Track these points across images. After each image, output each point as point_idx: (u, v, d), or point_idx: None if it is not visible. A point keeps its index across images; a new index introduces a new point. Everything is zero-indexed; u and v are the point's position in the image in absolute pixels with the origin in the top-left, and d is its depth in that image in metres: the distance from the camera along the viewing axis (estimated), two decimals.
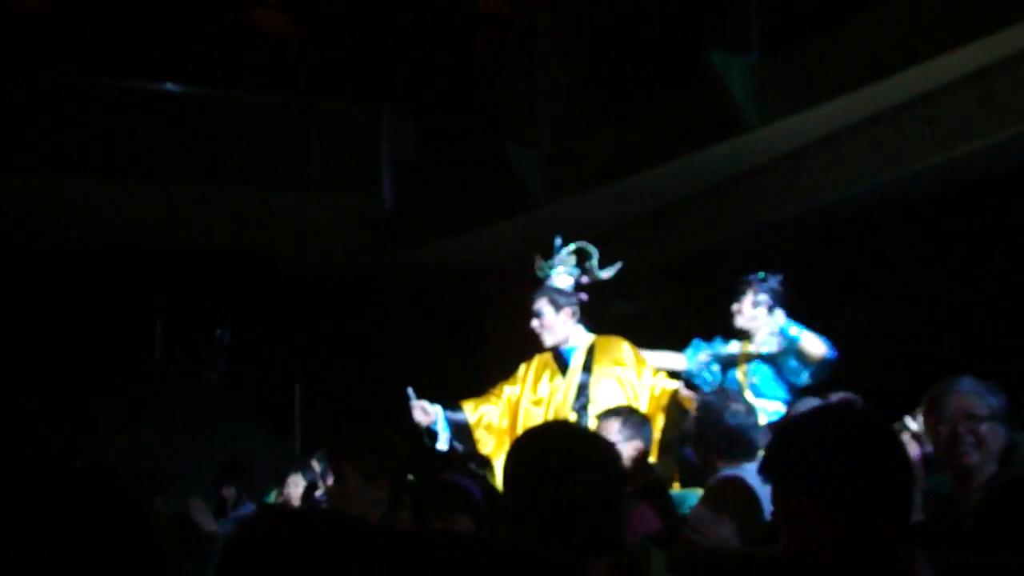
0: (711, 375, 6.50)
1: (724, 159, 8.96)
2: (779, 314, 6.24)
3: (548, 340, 6.10)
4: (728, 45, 8.32)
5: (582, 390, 6.08)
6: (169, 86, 11.56)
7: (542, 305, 6.07)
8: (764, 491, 4.24)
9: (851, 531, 2.13)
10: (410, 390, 5.96)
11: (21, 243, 12.38)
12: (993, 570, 2.75)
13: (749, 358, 6.34)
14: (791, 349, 6.18)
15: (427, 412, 6.02)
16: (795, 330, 6.15)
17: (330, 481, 7.61)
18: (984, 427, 3.66)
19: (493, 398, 6.31)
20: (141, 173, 11.06)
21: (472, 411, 6.25)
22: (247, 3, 13.03)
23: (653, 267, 10.73)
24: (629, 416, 5.02)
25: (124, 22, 12.31)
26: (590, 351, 6.12)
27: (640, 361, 6.12)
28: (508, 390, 6.31)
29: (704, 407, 4.56)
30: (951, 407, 3.69)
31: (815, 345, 6.10)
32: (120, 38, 12.19)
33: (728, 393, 4.83)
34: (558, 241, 6.20)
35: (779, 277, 6.36)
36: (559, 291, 6.10)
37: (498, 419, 6.26)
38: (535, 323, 6.09)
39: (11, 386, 12.12)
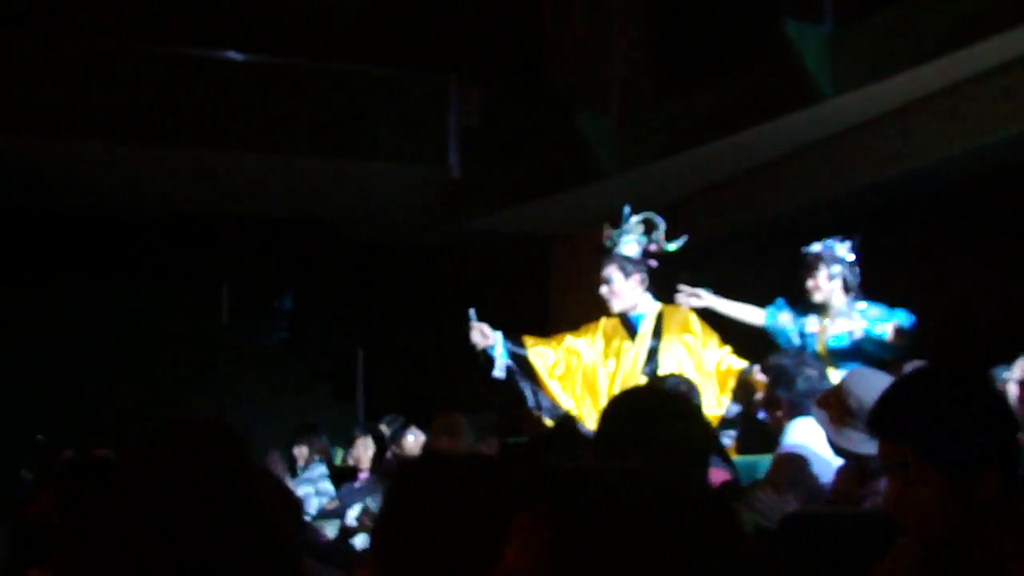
0: (788, 338, 6.55)
1: (796, 129, 8.96)
2: (868, 309, 6.25)
3: (616, 306, 6.23)
4: (802, 14, 8.32)
5: (651, 355, 6.20)
6: (232, 54, 11.69)
7: (611, 271, 6.20)
8: (824, 458, 4.33)
9: (950, 485, 2.21)
10: (472, 311, 6.12)
11: (93, 210, 12.60)
12: None
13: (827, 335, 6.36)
14: (873, 339, 6.21)
15: (486, 335, 6.19)
16: (880, 327, 6.17)
17: (406, 441, 7.81)
18: None
19: (554, 343, 6.45)
20: (210, 141, 11.19)
21: (531, 346, 6.40)
22: None
23: (720, 237, 10.75)
24: (678, 383, 5.10)
25: None
26: (659, 318, 6.23)
27: (707, 332, 6.24)
28: (570, 339, 6.44)
29: (778, 369, 4.65)
30: None
31: (894, 334, 6.14)
32: (191, 7, 12.32)
33: (803, 357, 4.89)
34: (627, 210, 6.30)
35: (849, 243, 6.38)
36: (628, 258, 6.22)
37: (551, 363, 6.39)
38: (604, 289, 6.21)
39: (85, 350, 12.36)
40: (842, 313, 6.28)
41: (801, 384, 4.41)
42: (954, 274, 8.71)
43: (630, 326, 6.28)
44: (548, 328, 12.31)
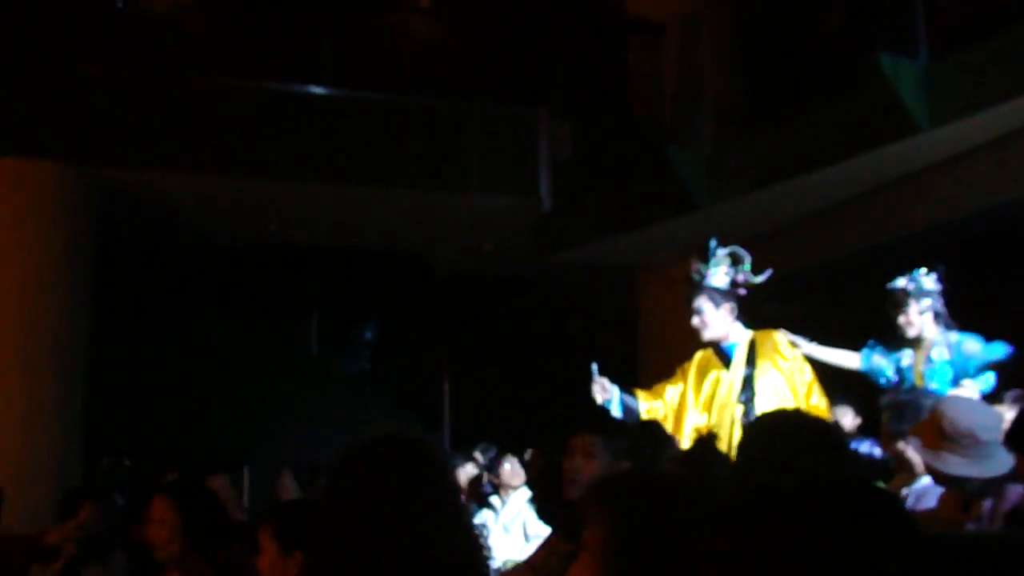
0: (886, 377, 6.61)
1: (888, 162, 8.97)
2: (951, 334, 6.31)
3: (708, 335, 6.32)
4: (897, 48, 8.36)
5: (747, 383, 6.26)
6: (327, 89, 11.88)
7: (702, 302, 6.31)
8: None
9: None
10: (594, 365, 6.26)
11: (188, 241, 12.88)
12: None
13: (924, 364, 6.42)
14: (962, 357, 6.26)
15: (605, 389, 6.31)
16: (968, 345, 6.21)
17: (503, 470, 7.95)
18: None
19: (658, 397, 6.56)
20: (304, 174, 11.39)
21: (644, 400, 6.51)
22: (401, 8, 13.37)
23: (811, 269, 10.77)
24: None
25: (281, 28, 12.71)
26: (751, 345, 6.32)
27: (797, 356, 6.31)
28: (670, 391, 6.55)
29: (897, 404, 4.74)
30: None
31: (983, 352, 6.19)
32: (277, 44, 12.59)
33: (923, 392, 4.99)
34: (713, 243, 6.41)
35: (935, 274, 6.43)
36: (717, 289, 6.33)
37: (661, 419, 6.49)
38: (695, 320, 6.31)
39: (179, 376, 12.63)
40: (936, 343, 6.34)
41: (923, 416, 4.50)
42: None
43: (724, 356, 6.37)
44: (637, 359, 12.51)
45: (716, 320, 6.30)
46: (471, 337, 14.48)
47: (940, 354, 6.33)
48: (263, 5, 12.62)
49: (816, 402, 6.08)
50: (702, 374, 6.45)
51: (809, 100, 9.63)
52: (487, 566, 2.23)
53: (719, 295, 6.29)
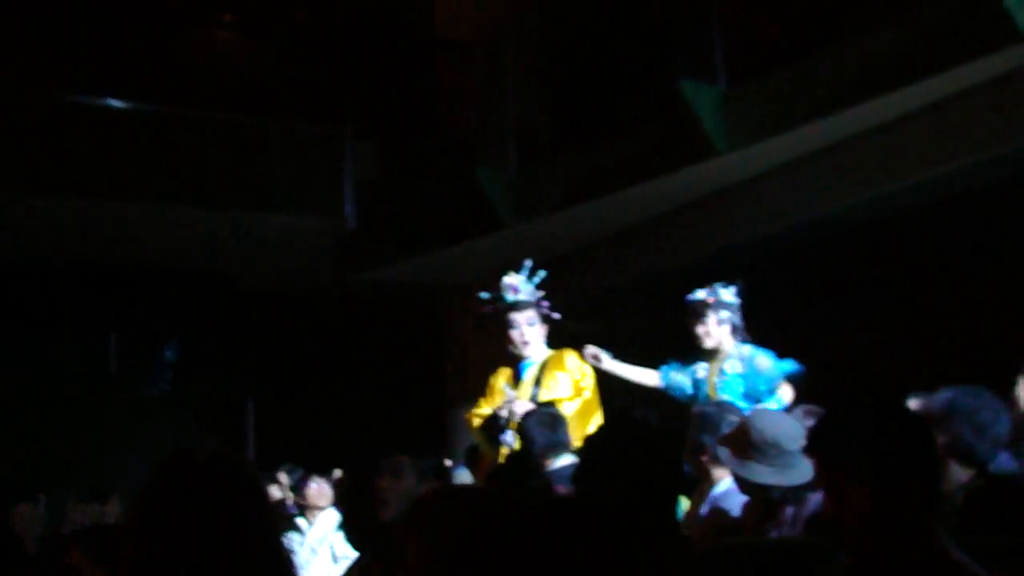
0: (683, 391, 6.76)
1: (690, 183, 9.22)
2: (745, 348, 6.50)
3: (528, 351, 6.39)
4: (697, 74, 8.61)
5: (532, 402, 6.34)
6: (126, 103, 11.55)
7: (533, 316, 6.37)
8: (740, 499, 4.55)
9: (879, 499, 2.44)
10: (507, 388, 6.30)
11: None
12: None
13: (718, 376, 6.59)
14: (754, 371, 6.45)
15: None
16: (759, 360, 6.41)
17: (309, 490, 7.84)
18: None
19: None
20: (101, 190, 11.03)
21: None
22: (206, 23, 13.13)
23: (612, 289, 10.98)
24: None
25: (83, 39, 12.34)
26: (543, 366, 6.40)
27: (584, 373, 6.39)
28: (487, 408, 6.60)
29: (702, 417, 4.85)
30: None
31: (774, 368, 6.40)
32: (77, 55, 12.21)
33: (725, 406, 5.11)
34: (529, 263, 6.49)
35: (733, 288, 6.61)
36: (540, 306, 6.41)
37: None
38: (517, 334, 6.35)
39: None
40: (731, 356, 6.50)
41: (725, 430, 4.61)
42: (842, 320, 9.03)
43: (518, 375, 6.46)
44: (443, 378, 12.52)
45: (535, 337, 6.37)
46: (276, 357, 14.24)
47: (733, 367, 6.49)
48: (64, 16, 12.20)
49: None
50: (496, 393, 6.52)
51: (613, 124, 9.81)
52: None
53: (539, 312, 6.38)
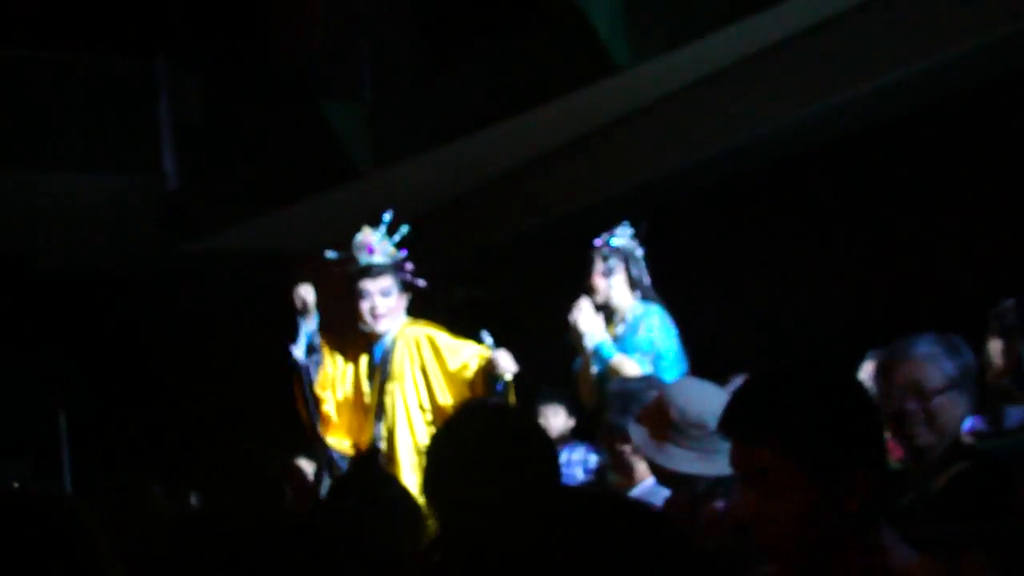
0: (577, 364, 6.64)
1: (586, 108, 9.18)
2: (641, 306, 6.37)
3: (384, 325, 6.22)
4: None
5: (381, 389, 6.24)
6: None
7: (390, 284, 6.19)
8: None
9: (817, 489, 2.32)
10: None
11: None
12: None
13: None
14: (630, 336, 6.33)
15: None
16: (649, 323, 6.29)
17: None
18: (936, 401, 3.77)
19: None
20: None
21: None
22: None
23: (503, 244, 10.92)
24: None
25: None
26: (393, 343, 6.25)
27: (442, 350, 6.25)
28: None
29: (623, 395, 4.72)
30: (899, 379, 3.84)
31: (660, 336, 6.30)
32: None
33: (652, 380, 5.00)
34: (388, 215, 6.33)
35: (632, 231, 6.48)
36: (401, 269, 6.24)
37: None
38: (376, 304, 6.17)
39: None
40: (636, 318, 6.34)
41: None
42: (776, 267, 9.10)
43: (372, 357, 6.31)
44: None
45: (398, 308, 6.21)
46: (90, 356, 14.00)
47: (620, 331, 6.36)
48: None
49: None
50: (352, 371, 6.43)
51: (491, 40, 9.74)
52: None
53: (399, 279, 6.21)
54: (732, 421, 2.44)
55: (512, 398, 5.99)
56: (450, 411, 5.87)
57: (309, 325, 6.31)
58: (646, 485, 4.63)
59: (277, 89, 11.49)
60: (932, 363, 3.80)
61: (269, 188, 11.15)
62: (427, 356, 6.20)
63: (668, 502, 4.38)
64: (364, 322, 6.24)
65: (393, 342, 6.22)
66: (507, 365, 5.96)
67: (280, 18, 12.03)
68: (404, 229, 6.30)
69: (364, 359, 6.37)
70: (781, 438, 2.34)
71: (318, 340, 6.33)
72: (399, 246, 6.31)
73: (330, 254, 6.45)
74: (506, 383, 5.97)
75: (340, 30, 11.02)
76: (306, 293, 6.33)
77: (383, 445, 6.11)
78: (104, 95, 11.62)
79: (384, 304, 6.19)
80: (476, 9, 10.19)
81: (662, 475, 4.26)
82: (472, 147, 9.83)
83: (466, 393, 6.06)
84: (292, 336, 6.40)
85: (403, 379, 6.18)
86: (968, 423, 4.17)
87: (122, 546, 2.25)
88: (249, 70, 12.01)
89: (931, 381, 3.77)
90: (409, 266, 6.31)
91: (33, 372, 14.14)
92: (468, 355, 6.13)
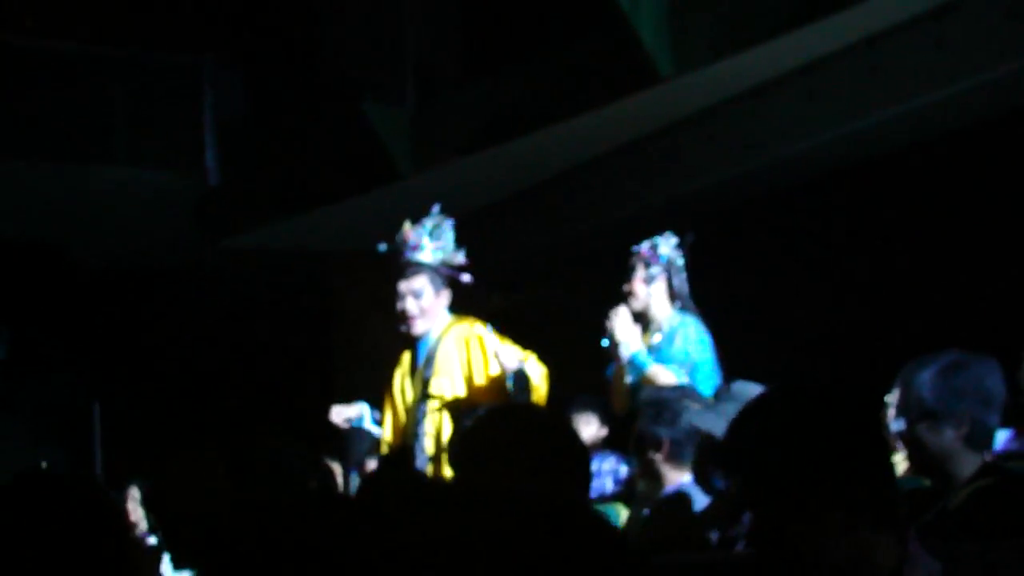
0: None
1: (630, 117, 9.16)
2: (678, 317, 6.36)
3: (420, 327, 6.18)
4: None
5: (425, 387, 6.24)
6: None
7: (423, 284, 6.15)
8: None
9: (814, 514, 2.33)
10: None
11: None
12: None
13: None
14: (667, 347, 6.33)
15: (344, 415, 6.42)
16: (686, 334, 6.29)
17: None
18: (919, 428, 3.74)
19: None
20: None
21: None
22: None
23: (538, 250, 10.92)
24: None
25: None
26: (439, 340, 6.22)
27: (489, 352, 6.22)
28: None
29: (657, 403, 4.75)
30: (907, 400, 3.82)
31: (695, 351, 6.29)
32: None
33: (686, 390, 5.03)
34: (436, 208, 6.31)
35: (676, 240, 6.48)
36: (438, 268, 6.19)
37: None
38: (409, 305, 6.14)
39: None
40: (672, 329, 6.35)
41: (689, 420, 4.54)
42: (822, 283, 9.04)
43: (416, 356, 6.31)
44: (332, 362, 12.40)
45: (434, 309, 6.17)
46: (127, 347, 14.08)
47: (656, 340, 6.38)
48: None
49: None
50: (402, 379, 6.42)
51: (534, 46, 9.74)
52: None
53: (440, 278, 6.17)
54: (726, 460, 2.50)
55: (534, 395, 5.96)
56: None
57: (368, 424, 6.38)
58: (670, 491, 4.70)
59: (321, 89, 11.50)
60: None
61: (309, 187, 11.18)
62: (475, 356, 6.19)
63: (712, 505, 4.44)
64: (401, 324, 6.24)
65: (437, 341, 6.20)
66: (508, 361, 5.96)
67: (326, 18, 12.06)
68: (449, 224, 6.27)
69: (407, 357, 6.39)
70: (744, 474, 2.40)
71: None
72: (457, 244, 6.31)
73: (382, 246, 6.36)
74: (516, 376, 5.96)
75: (385, 32, 11.03)
76: (337, 416, 6.44)
77: (429, 443, 6.12)
78: (149, 90, 11.61)
79: (415, 306, 6.16)
80: (520, 15, 10.18)
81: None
82: (512, 153, 9.84)
83: (503, 398, 6.05)
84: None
85: (451, 376, 6.16)
86: (1002, 442, 4.14)
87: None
88: (294, 69, 12.03)
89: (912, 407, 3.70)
90: (460, 259, 6.28)
91: (69, 362, 14.24)
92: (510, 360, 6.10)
